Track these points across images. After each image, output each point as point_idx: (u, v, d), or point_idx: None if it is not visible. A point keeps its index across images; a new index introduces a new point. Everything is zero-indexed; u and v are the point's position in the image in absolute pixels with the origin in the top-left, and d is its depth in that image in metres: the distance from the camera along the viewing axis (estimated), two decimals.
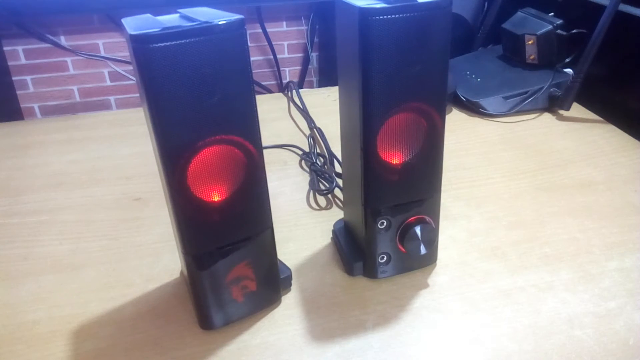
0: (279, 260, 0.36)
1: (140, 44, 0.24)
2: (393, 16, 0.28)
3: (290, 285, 0.37)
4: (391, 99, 0.31)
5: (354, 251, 0.39)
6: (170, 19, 0.27)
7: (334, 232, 0.43)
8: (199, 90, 0.26)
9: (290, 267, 0.38)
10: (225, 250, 0.31)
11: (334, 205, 0.48)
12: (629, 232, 0.43)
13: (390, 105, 0.31)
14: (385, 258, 0.37)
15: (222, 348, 0.33)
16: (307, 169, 0.54)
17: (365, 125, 0.32)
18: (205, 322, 0.34)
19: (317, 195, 0.50)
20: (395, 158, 0.33)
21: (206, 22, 0.25)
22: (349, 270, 0.39)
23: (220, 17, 0.26)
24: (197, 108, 0.26)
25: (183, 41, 0.24)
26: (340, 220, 0.43)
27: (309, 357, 0.32)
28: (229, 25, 0.25)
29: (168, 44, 0.24)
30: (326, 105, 0.69)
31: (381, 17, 0.28)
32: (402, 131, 0.32)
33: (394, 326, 0.34)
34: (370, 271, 0.38)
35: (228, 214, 0.29)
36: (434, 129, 0.33)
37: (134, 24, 0.26)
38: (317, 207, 0.48)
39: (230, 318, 0.34)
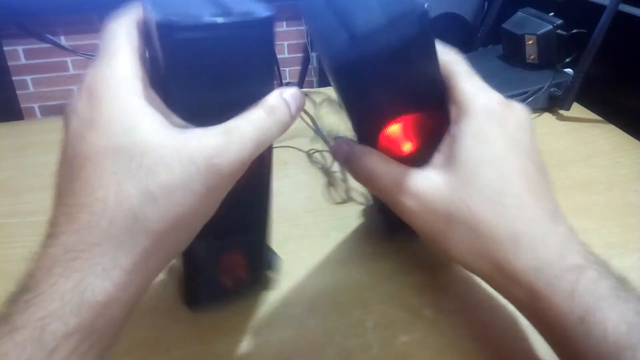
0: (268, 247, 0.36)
1: (166, 31, 0.23)
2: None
3: (278, 270, 0.37)
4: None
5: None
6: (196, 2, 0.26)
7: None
8: (219, 83, 0.25)
9: (290, 267, 0.38)
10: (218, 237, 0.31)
11: (334, 204, 0.48)
12: (629, 232, 0.43)
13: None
14: None
15: (222, 348, 0.33)
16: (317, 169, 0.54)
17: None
18: (192, 301, 0.34)
19: (331, 191, 0.49)
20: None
21: (239, 16, 0.24)
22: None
23: (249, 4, 0.25)
24: (211, 100, 0.26)
25: (212, 34, 0.23)
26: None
27: (309, 357, 0.32)
28: (261, 22, 0.24)
29: (196, 35, 0.23)
30: (327, 106, 0.69)
31: None
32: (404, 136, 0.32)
33: (394, 326, 0.34)
34: None
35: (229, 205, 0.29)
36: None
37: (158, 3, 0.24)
38: (317, 207, 0.48)
39: (219, 299, 0.35)
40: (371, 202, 0.46)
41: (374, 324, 0.34)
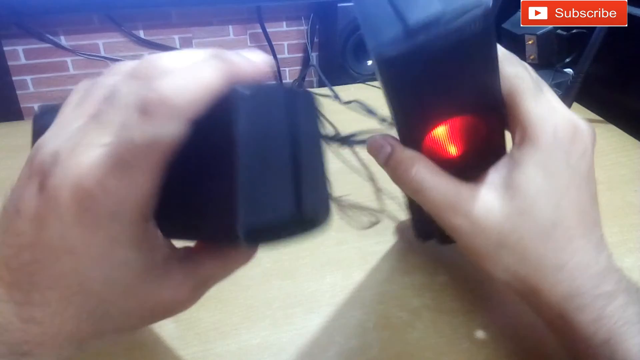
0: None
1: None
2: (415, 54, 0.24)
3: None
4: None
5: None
6: None
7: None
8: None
9: (289, 267, 0.38)
10: None
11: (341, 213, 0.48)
12: (629, 232, 0.43)
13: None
14: None
15: (222, 348, 0.33)
16: None
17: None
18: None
19: None
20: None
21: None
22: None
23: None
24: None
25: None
26: None
27: (309, 357, 0.32)
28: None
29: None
30: (328, 105, 0.69)
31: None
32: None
33: (394, 326, 0.34)
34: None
35: None
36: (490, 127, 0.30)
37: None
38: None
39: None
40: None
41: (374, 324, 0.34)
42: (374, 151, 0.30)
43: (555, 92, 0.67)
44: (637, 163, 0.54)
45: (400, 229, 0.44)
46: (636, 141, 0.58)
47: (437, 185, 0.28)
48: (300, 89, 0.23)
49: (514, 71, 0.28)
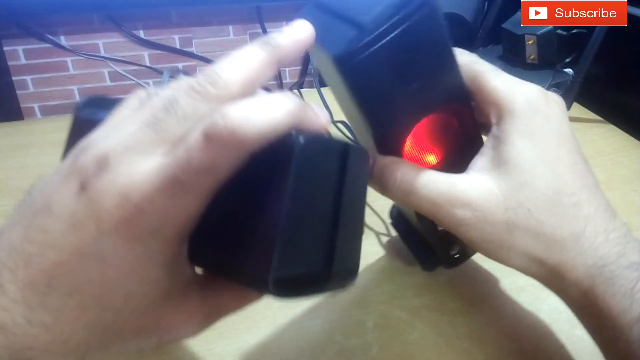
0: None
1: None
2: (374, 48, 0.24)
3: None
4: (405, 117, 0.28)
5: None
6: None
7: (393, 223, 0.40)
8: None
9: None
10: None
11: None
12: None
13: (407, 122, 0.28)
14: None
15: (222, 348, 0.33)
16: None
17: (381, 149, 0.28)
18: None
19: None
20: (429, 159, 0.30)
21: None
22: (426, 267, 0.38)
23: None
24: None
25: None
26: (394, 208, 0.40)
27: (309, 357, 0.32)
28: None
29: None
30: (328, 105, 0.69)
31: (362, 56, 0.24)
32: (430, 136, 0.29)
33: (394, 326, 0.34)
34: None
35: None
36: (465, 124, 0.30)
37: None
38: None
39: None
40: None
41: (374, 324, 0.34)
42: None
43: (555, 92, 0.67)
44: (637, 163, 0.54)
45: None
46: (636, 141, 0.58)
47: (427, 182, 0.27)
48: (355, 144, 0.23)
49: (469, 58, 0.28)
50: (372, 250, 0.41)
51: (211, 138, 0.17)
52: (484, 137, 0.29)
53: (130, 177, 0.18)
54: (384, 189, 0.28)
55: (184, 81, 0.21)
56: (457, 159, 0.29)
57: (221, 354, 0.32)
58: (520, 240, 0.26)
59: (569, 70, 0.66)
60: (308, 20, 0.25)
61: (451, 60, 0.27)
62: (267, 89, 1.07)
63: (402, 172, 0.27)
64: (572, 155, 0.27)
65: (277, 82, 1.02)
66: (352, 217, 0.23)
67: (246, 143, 0.18)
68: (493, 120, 0.28)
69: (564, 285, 0.26)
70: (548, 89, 0.63)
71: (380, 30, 0.23)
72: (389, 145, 0.28)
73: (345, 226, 0.22)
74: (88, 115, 0.26)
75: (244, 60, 0.20)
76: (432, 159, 0.29)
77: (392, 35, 0.24)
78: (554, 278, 0.26)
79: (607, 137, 0.60)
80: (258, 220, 0.19)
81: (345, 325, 0.34)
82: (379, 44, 0.24)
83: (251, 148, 0.18)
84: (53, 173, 0.20)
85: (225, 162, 0.18)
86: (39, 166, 0.55)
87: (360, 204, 0.24)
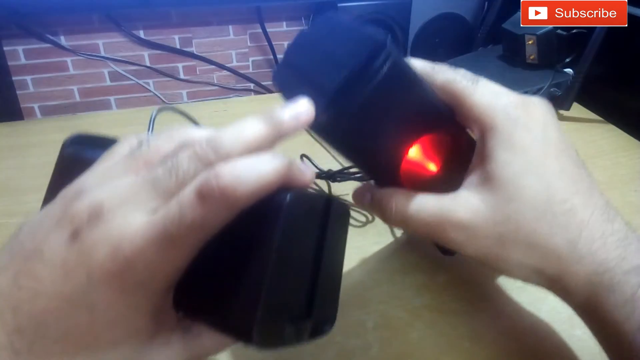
0: None
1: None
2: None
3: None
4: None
5: None
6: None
7: None
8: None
9: None
10: None
11: None
12: None
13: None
14: None
15: None
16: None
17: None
18: None
19: None
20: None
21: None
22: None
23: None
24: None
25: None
26: None
27: (309, 357, 0.32)
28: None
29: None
30: None
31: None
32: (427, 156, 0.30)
33: (394, 326, 0.34)
34: None
35: None
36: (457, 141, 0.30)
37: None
38: None
39: None
40: None
41: (374, 324, 0.34)
42: (358, 201, 0.31)
43: (555, 92, 0.67)
44: (637, 163, 0.54)
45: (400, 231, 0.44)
46: (636, 141, 0.58)
47: (419, 209, 0.28)
48: (337, 199, 0.24)
49: (444, 78, 0.28)
50: (372, 250, 0.41)
51: (204, 196, 0.18)
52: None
53: (123, 230, 0.18)
54: (384, 218, 0.30)
55: (185, 135, 0.22)
56: (456, 166, 0.29)
57: (221, 353, 0.32)
58: (514, 253, 0.26)
59: (569, 70, 0.66)
60: (281, 80, 0.27)
61: (425, 96, 0.27)
62: (267, 89, 1.07)
63: (396, 202, 0.28)
64: (560, 162, 0.26)
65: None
66: (332, 266, 0.24)
67: (237, 202, 0.19)
68: (476, 136, 0.28)
69: (567, 293, 0.26)
70: (548, 89, 0.63)
71: (348, 96, 0.24)
72: (385, 179, 0.29)
73: (325, 276, 0.23)
74: (75, 153, 0.26)
75: (247, 133, 0.21)
76: (433, 168, 0.30)
77: (362, 96, 0.24)
78: (555, 286, 0.26)
79: (607, 137, 0.60)
80: (243, 272, 0.20)
81: (345, 325, 0.34)
82: (350, 107, 0.24)
83: (241, 206, 0.19)
84: (42, 215, 0.20)
85: (216, 219, 0.19)
86: (39, 166, 0.55)
87: (340, 253, 0.25)
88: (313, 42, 0.27)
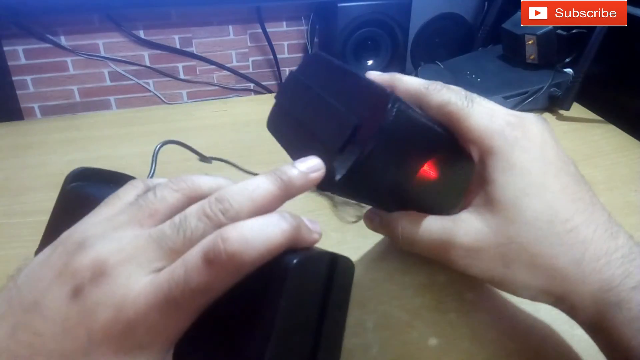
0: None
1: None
2: None
3: None
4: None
5: None
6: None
7: None
8: None
9: None
10: None
11: (333, 205, 0.48)
12: (630, 232, 0.43)
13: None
14: None
15: None
16: None
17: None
18: None
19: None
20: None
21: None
22: None
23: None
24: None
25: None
26: None
27: None
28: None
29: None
30: None
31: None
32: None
33: (394, 326, 0.34)
34: None
35: None
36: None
37: None
38: (317, 207, 0.48)
39: None
40: None
41: (374, 324, 0.34)
42: (370, 225, 0.33)
43: (555, 92, 0.67)
44: (637, 163, 0.54)
45: None
46: (636, 141, 0.58)
47: (424, 232, 0.29)
48: (342, 255, 0.24)
49: (439, 101, 0.28)
50: (372, 250, 0.41)
51: (211, 261, 0.18)
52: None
53: (126, 291, 0.18)
54: (395, 241, 0.31)
55: (193, 184, 0.22)
56: (457, 180, 0.30)
57: None
58: (519, 274, 0.26)
59: (569, 70, 0.66)
60: (275, 127, 0.27)
61: (426, 125, 0.27)
62: (267, 89, 1.07)
63: (402, 226, 0.30)
64: (560, 180, 0.26)
65: (277, 82, 1.02)
66: (335, 320, 0.24)
67: (244, 266, 0.19)
68: (475, 158, 0.28)
69: (574, 311, 0.26)
70: (548, 89, 0.63)
71: (352, 153, 0.24)
72: (394, 207, 0.31)
73: (329, 331, 0.23)
74: (78, 189, 0.26)
75: (256, 193, 0.21)
76: (436, 182, 0.30)
77: (366, 152, 0.24)
78: (562, 305, 0.26)
79: (607, 137, 0.60)
80: (246, 333, 0.20)
81: (346, 325, 0.34)
82: (353, 165, 0.24)
83: (248, 270, 0.19)
84: (42, 263, 0.20)
85: (222, 284, 0.19)
86: (39, 166, 0.55)
87: (344, 307, 0.25)
88: (305, 88, 0.27)
